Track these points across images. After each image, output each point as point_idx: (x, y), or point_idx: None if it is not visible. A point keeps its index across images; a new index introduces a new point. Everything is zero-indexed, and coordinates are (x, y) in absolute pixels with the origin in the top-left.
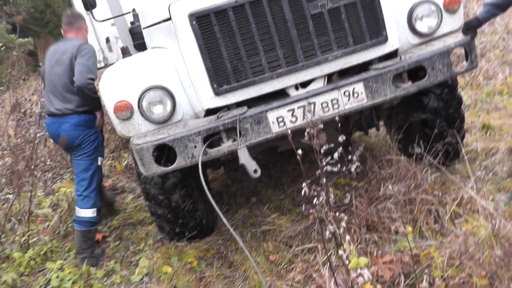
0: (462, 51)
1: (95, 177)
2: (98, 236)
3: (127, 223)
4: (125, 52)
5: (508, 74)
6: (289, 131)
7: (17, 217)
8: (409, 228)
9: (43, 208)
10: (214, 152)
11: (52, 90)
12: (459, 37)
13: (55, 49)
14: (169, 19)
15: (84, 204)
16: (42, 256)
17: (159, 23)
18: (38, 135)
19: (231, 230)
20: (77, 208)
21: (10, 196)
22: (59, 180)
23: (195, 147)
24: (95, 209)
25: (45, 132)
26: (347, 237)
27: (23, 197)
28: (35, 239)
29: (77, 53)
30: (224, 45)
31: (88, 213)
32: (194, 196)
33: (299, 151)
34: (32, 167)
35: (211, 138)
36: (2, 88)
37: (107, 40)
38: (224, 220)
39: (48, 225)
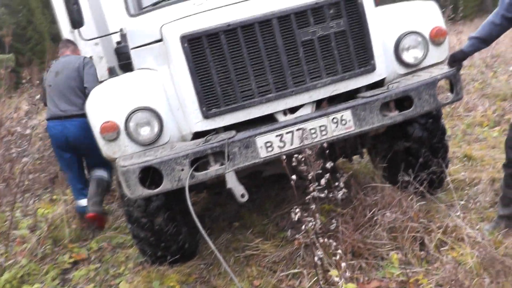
0: (443, 83)
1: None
2: (79, 256)
3: (107, 245)
4: (112, 72)
5: (487, 107)
6: (284, 157)
7: None
8: (395, 255)
9: (21, 229)
10: (202, 175)
11: (57, 94)
12: (445, 68)
13: (56, 63)
14: (160, 40)
15: (102, 167)
16: (18, 279)
17: (149, 44)
18: (24, 159)
19: (216, 252)
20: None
21: None
22: (37, 201)
23: (182, 170)
24: (109, 174)
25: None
26: (343, 264)
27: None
28: (11, 261)
29: (84, 64)
30: (215, 68)
31: (103, 173)
32: (177, 220)
33: (293, 177)
34: (14, 188)
35: (199, 162)
36: None
37: (90, 59)
38: (210, 243)
39: (26, 247)
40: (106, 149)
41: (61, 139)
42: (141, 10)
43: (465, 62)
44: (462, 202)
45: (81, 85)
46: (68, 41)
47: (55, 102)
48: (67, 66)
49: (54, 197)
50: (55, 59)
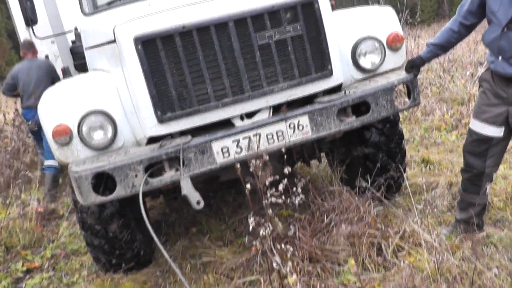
0: (401, 88)
1: None
2: (32, 265)
3: (61, 252)
4: (65, 73)
5: (445, 111)
6: (238, 164)
7: None
8: (352, 261)
9: None
10: (156, 182)
11: (33, 90)
12: (402, 74)
13: (27, 65)
14: (114, 41)
15: (51, 157)
16: None
17: (102, 44)
18: None
19: (170, 261)
20: (45, 161)
21: None
22: None
23: (136, 176)
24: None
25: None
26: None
27: None
28: None
29: (53, 68)
30: (170, 71)
31: (54, 162)
32: (131, 226)
33: (248, 185)
34: None
35: (153, 167)
36: None
37: (46, 57)
38: (164, 252)
39: None
40: (59, 153)
41: (35, 121)
42: (95, 9)
43: (422, 67)
44: (420, 207)
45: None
46: (29, 43)
47: (30, 96)
48: (41, 68)
49: (8, 200)
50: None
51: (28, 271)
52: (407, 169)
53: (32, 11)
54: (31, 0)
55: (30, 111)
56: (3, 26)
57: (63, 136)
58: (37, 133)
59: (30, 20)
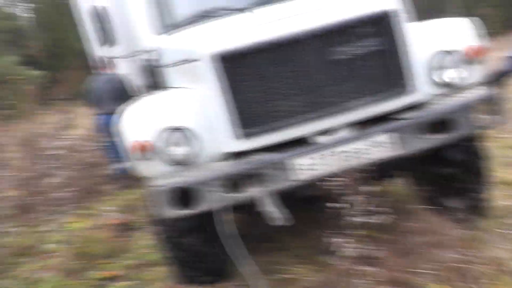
0: (483, 104)
1: None
2: (109, 273)
3: (139, 263)
4: (143, 90)
5: None
6: (315, 182)
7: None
8: (435, 286)
9: (49, 243)
10: (235, 197)
11: (103, 100)
12: (483, 89)
13: (100, 78)
14: (193, 59)
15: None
16: None
17: (180, 62)
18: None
19: (253, 277)
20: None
21: (14, 230)
22: (68, 215)
23: (215, 191)
24: None
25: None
26: None
27: (29, 231)
28: (36, 276)
29: (123, 82)
30: (248, 88)
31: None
32: (209, 240)
33: (329, 204)
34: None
35: (232, 183)
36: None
37: (120, 74)
38: (245, 267)
39: (54, 262)
40: (138, 167)
41: (107, 126)
42: (173, 27)
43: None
44: (505, 232)
45: (120, 96)
46: (103, 59)
47: (101, 106)
48: (109, 82)
49: (86, 211)
50: (93, 74)
51: (105, 279)
52: (490, 191)
53: (108, 32)
54: (108, 21)
55: (101, 117)
56: (78, 47)
57: (143, 151)
58: (107, 143)
59: (107, 40)
